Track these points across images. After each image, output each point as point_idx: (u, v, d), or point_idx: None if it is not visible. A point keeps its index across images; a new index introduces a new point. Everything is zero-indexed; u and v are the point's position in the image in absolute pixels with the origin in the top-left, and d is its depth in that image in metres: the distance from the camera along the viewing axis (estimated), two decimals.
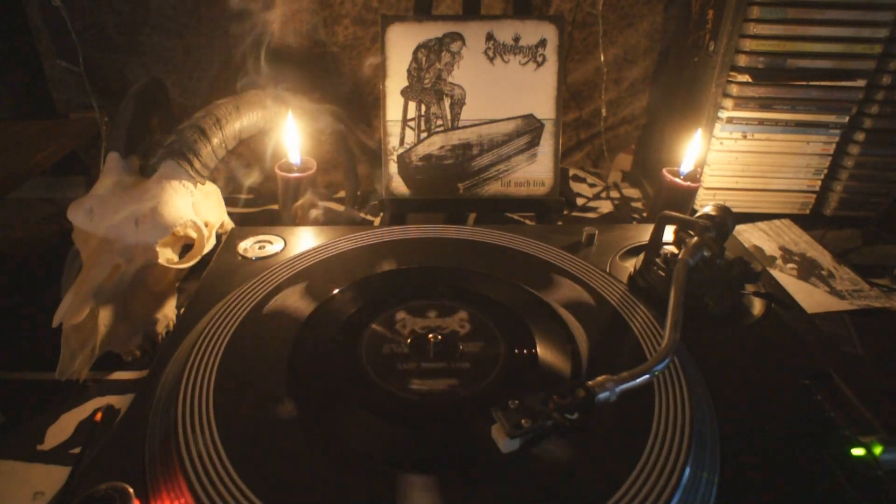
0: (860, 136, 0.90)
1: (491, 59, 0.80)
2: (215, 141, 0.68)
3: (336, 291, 0.51)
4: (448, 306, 0.50)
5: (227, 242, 0.62)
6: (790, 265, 0.82)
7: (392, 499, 0.33)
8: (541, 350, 0.45)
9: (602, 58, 1.04)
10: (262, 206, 1.01)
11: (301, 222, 0.70)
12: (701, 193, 0.94)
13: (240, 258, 0.59)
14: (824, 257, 0.84)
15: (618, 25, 1.05)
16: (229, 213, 0.74)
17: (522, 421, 0.32)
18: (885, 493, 0.35)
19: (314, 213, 0.62)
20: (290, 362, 0.43)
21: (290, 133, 0.71)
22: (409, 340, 0.45)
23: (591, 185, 1.13)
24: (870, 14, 0.82)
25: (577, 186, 1.12)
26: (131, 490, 0.33)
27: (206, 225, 0.66)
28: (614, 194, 1.10)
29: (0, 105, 1.02)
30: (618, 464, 0.34)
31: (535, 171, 0.83)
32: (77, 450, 0.51)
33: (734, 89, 0.87)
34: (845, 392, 0.42)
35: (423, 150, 0.82)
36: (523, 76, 0.81)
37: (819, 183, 0.94)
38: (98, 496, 0.32)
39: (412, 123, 0.81)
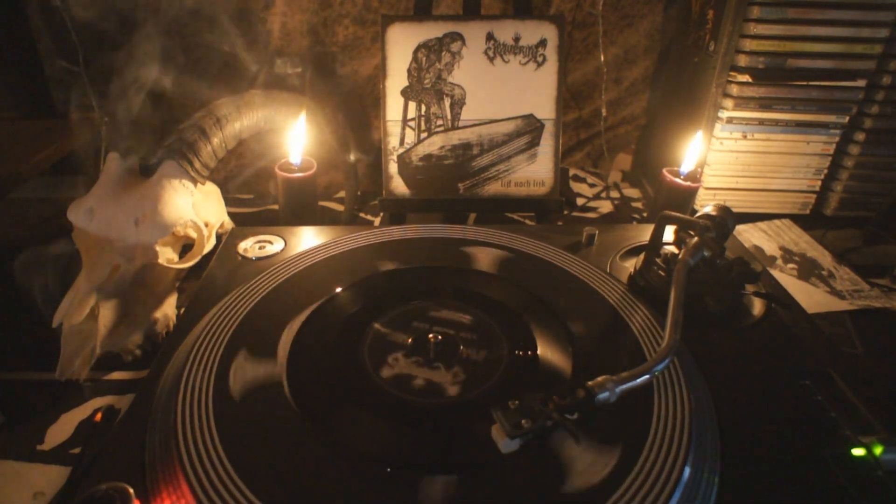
0: (860, 136, 0.90)
1: (491, 59, 0.80)
2: (215, 141, 0.68)
3: (336, 291, 0.51)
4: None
5: (227, 242, 0.62)
6: (790, 265, 0.82)
7: (392, 499, 0.33)
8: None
9: (602, 58, 1.04)
10: (262, 206, 1.01)
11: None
12: (701, 193, 0.94)
13: (240, 258, 0.59)
14: (824, 257, 0.84)
15: (618, 25, 1.05)
16: (229, 213, 0.74)
17: (522, 421, 0.32)
18: (886, 493, 0.35)
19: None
20: (290, 362, 0.43)
21: (297, 134, 0.71)
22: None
23: (591, 185, 1.13)
24: (870, 14, 0.82)
25: (577, 186, 1.12)
26: (131, 490, 0.33)
27: (206, 225, 0.66)
28: (614, 194, 1.10)
29: (0, 105, 1.02)
30: (618, 464, 0.34)
31: (535, 171, 0.83)
32: (77, 450, 0.51)
33: (734, 89, 0.87)
34: (845, 392, 0.42)
35: (423, 150, 0.82)
36: (523, 76, 0.80)
37: (819, 183, 0.94)
38: (98, 496, 0.32)
39: (412, 123, 0.81)
